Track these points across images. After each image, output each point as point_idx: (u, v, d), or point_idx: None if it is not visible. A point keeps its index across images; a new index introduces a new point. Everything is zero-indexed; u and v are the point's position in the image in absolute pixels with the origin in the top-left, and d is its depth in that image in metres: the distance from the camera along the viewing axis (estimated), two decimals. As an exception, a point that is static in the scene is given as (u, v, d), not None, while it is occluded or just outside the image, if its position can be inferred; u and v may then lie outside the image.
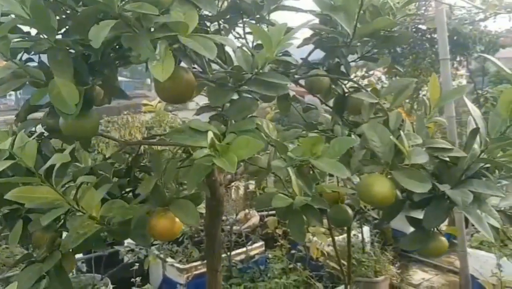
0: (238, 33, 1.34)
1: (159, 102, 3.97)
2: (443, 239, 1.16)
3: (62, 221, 1.15)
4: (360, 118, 1.40)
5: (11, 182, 0.89)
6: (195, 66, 1.03)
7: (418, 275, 4.31)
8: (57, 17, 0.92)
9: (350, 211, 1.39)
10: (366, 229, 4.01)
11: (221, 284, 1.44)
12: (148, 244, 1.26)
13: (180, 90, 0.93)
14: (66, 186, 1.03)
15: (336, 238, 3.44)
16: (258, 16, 1.24)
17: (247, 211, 3.98)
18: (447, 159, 1.08)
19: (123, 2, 0.80)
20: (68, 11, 0.91)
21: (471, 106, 1.04)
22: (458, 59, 4.80)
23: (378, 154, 0.95)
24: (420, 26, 4.15)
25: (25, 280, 0.98)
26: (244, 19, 1.26)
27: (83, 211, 1.01)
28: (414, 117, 1.44)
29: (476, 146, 1.03)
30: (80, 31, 0.84)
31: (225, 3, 1.21)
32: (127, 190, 1.29)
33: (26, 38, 0.90)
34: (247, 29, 1.28)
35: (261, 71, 0.94)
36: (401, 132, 0.95)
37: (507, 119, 0.96)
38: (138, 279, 2.88)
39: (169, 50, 0.81)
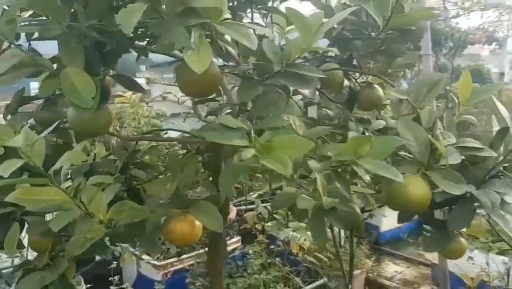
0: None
1: (133, 94, 3.83)
2: (463, 239, 1.13)
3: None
4: (369, 114, 1.36)
5: (22, 182, 0.79)
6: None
7: (390, 267, 4.36)
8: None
9: (358, 211, 1.34)
10: (341, 222, 4.01)
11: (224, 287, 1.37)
12: (158, 249, 1.18)
13: (207, 84, 0.85)
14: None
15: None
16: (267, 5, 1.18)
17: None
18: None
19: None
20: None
21: (499, 106, 1.00)
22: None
23: (413, 154, 0.90)
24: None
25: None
26: (253, 8, 1.19)
27: (92, 214, 0.91)
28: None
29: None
30: (98, 16, 0.75)
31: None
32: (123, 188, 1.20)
33: (33, 23, 0.80)
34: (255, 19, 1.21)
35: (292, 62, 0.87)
36: (438, 131, 0.91)
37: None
38: (116, 277, 2.76)
39: (204, 38, 0.73)
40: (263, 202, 3.70)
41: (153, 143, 1.45)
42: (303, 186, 1.01)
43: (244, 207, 3.82)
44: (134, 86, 0.97)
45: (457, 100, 1.00)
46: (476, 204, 1.02)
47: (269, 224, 3.55)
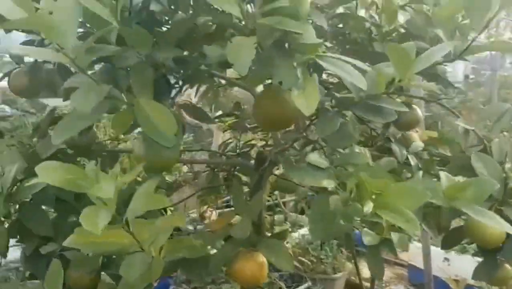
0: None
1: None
2: (509, 267, 1.13)
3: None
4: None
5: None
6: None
7: (367, 269, 4.41)
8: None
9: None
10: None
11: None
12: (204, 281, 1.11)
13: (288, 116, 0.79)
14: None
15: (294, 234, 3.43)
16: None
17: (204, 208, 3.81)
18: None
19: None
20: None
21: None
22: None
23: (489, 190, 0.88)
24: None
25: None
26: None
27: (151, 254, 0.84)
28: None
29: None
30: (193, 47, 0.68)
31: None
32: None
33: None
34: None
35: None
36: (510, 166, 0.89)
37: None
38: None
39: (310, 75, 0.67)
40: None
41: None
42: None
43: (228, 209, 3.75)
44: (204, 118, 0.89)
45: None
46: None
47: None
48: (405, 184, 0.69)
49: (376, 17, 1.20)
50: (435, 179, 1.12)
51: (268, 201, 3.66)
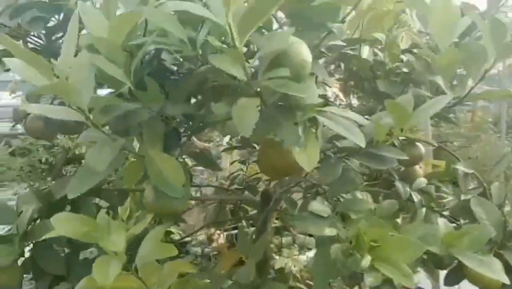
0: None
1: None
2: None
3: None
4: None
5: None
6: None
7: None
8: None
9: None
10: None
11: None
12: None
13: (291, 166, 0.82)
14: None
15: (302, 257, 3.43)
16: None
17: (212, 231, 3.83)
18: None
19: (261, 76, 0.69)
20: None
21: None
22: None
23: (488, 234, 0.91)
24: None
25: None
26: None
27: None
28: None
29: None
30: (202, 102, 0.72)
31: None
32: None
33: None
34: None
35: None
36: (509, 210, 0.91)
37: None
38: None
39: (311, 134, 0.71)
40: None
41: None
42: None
43: (235, 232, 3.76)
44: (211, 164, 0.93)
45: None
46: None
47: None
48: (402, 238, 0.71)
49: (380, 54, 1.24)
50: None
51: (275, 223, 3.67)
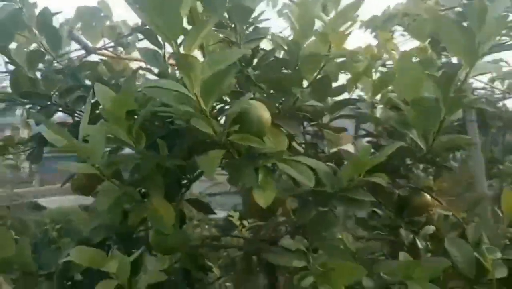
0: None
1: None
2: None
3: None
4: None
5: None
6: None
7: None
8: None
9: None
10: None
11: None
12: None
13: (273, 209, 0.97)
14: None
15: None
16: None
17: None
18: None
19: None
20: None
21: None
22: (479, 135, 4.89)
23: (461, 270, 0.97)
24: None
25: None
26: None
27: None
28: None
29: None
30: (182, 156, 0.91)
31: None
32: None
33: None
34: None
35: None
36: (483, 247, 0.98)
37: None
38: None
39: (270, 177, 0.87)
40: None
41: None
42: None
43: None
44: (206, 209, 1.11)
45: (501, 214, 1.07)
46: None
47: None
48: (345, 264, 0.82)
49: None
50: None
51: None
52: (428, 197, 1.38)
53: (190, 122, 0.85)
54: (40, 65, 1.34)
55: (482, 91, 4.54)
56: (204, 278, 1.39)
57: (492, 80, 4.20)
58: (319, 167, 0.92)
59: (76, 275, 1.15)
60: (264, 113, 0.88)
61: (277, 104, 1.06)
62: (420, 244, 1.30)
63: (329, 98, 1.28)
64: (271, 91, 1.03)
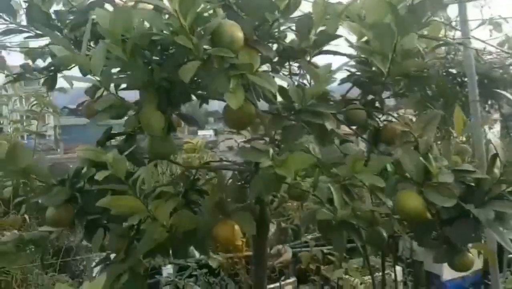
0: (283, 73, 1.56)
1: (200, 140, 4.26)
2: (470, 255, 1.29)
3: (135, 231, 1.35)
4: (393, 148, 1.58)
5: (107, 188, 1.10)
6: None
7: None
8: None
9: (384, 234, 1.54)
10: (399, 268, 4.05)
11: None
12: (208, 255, 1.44)
13: (245, 118, 1.14)
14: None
15: (366, 277, 3.52)
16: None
17: (280, 246, 4.10)
18: (472, 183, 1.23)
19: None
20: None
21: (493, 137, 1.20)
22: (489, 102, 4.91)
23: (410, 174, 1.12)
24: (450, 69, 4.30)
25: (111, 274, 1.17)
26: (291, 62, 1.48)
27: (157, 220, 1.20)
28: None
29: (496, 170, 1.19)
30: (170, 70, 1.08)
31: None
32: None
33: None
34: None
35: (310, 103, 1.14)
36: (430, 155, 1.12)
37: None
38: None
39: (240, 84, 1.03)
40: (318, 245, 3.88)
41: (212, 173, 1.75)
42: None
43: (299, 249, 4.00)
44: (192, 122, 1.28)
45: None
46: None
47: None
48: (298, 153, 0.99)
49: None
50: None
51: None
52: (399, 126, 1.52)
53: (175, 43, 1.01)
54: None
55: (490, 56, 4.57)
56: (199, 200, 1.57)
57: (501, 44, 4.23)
58: (289, 83, 1.08)
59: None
60: (236, 30, 1.04)
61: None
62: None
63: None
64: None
